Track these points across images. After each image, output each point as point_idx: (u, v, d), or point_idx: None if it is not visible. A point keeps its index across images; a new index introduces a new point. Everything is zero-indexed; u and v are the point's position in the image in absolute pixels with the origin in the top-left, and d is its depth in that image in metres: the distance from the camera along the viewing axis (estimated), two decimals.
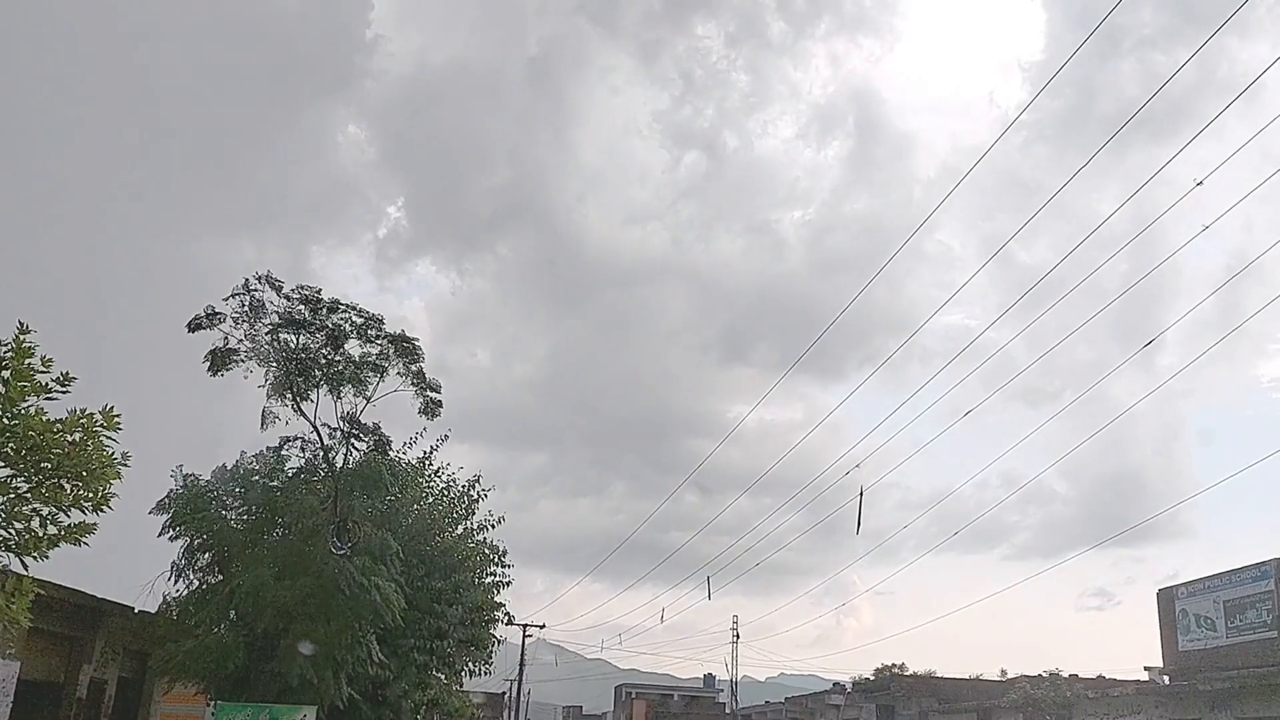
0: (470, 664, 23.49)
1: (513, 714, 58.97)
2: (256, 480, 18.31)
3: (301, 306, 16.69)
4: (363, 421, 17.36)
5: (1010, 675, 49.91)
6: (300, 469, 18.20)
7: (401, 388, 17.44)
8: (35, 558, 7.37)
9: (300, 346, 16.73)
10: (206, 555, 17.71)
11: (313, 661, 15.64)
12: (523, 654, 53.54)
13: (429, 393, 17.55)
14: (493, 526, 23.25)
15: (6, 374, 7.08)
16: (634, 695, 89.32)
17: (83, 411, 7.38)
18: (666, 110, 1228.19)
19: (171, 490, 17.70)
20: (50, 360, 7.15)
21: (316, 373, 16.68)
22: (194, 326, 16.13)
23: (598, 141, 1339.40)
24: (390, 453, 19.00)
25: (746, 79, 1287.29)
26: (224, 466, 18.38)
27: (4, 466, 7.20)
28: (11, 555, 7.27)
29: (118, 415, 7.51)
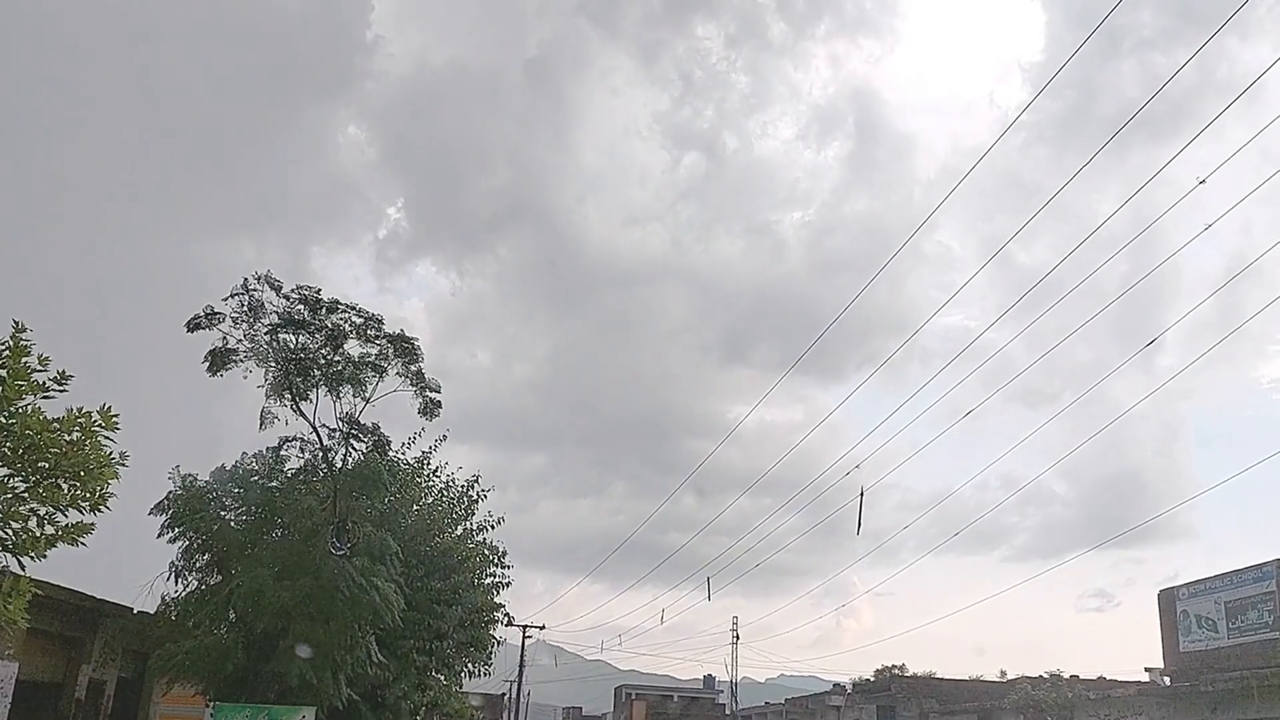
0: (470, 665, 23.50)
1: (512, 715, 58.90)
2: (255, 481, 18.29)
3: (301, 306, 16.63)
4: (362, 422, 17.33)
5: (1011, 676, 49.92)
6: (299, 469, 18.16)
7: (401, 388, 17.40)
8: (33, 557, 7.34)
9: (299, 346, 16.67)
10: (205, 556, 17.69)
11: (312, 662, 15.61)
12: (522, 655, 53.47)
13: (428, 393, 17.49)
14: (492, 527, 23.31)
15: (3, 373, 7.05)
16: (634, 696, 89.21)
17: (80, 411, 7.36)
18: (666, 111, 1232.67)
19: (170, 491, 17.66)
20: (47, 359, 7.13)
21: (315, 373, 16.63)
22: (193, 326, 16.09)
23: (598, 142, 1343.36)
24: (389, 453, 18.99)
25: (746, 80, 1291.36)
26: (223, 467, 18.34)
27: (1, 465, 7.17)
28: (9, 555, 7.24)
29: (116, 415, 7.49)
